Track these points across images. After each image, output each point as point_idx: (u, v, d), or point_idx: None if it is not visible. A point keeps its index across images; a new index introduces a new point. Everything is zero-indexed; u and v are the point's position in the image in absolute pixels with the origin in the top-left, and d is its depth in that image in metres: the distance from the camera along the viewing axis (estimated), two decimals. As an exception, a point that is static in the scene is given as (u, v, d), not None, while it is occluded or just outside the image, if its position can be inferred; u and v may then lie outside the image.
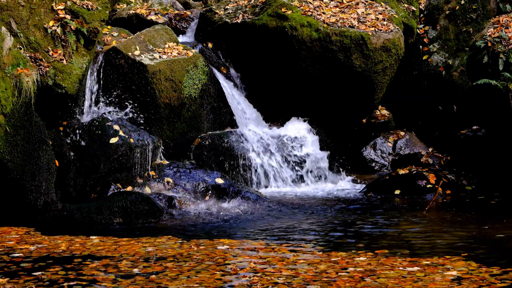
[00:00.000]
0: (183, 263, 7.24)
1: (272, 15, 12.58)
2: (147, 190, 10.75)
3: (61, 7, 10.63)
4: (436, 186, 11.11)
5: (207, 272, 6.90)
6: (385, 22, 12.66)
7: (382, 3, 13.14)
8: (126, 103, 11.51)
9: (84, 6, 10.79)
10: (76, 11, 10.73)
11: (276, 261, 7.29)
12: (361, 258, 7.37)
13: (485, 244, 8.12)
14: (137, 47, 11.74)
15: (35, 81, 9.73)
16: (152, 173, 11.04)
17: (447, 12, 13.40)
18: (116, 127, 10.96)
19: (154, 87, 11.54)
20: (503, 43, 10.90)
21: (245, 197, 10.81)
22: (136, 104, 11.52)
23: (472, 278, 6.56)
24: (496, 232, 8.65)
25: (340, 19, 12.60)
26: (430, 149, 12.79)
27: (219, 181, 11.06)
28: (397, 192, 11.29)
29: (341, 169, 12.76)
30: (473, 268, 6.92)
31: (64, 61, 10.48)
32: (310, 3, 12.83)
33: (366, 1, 13.08)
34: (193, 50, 12.21)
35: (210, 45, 13.01)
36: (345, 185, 12.17)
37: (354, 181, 12.37)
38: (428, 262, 7.14)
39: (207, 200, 10.80)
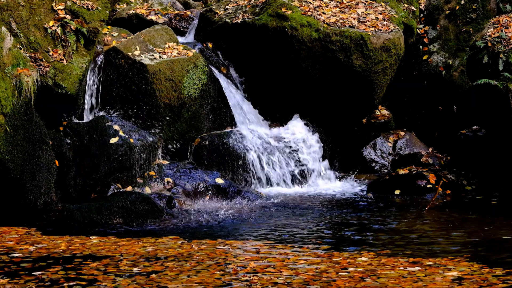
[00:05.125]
0: (183, 263, 7.24)
1: (272, 15, 12.57)
2: (147, 190, 10.75)
3: (61, 7, 10.62)
4: (436, 186, 11.11)
5: (207, 271, 6.90)
6: (385, 22, 12.66)
7: (382, 3, 13.14)
8: (126, 103, 11.50)
9: (84, 6, 10.79)
10: (76, 11, 10.73)
11: (276, 261, 7.28)
12: (363, 258, 7.37)
13: (488, 245, 8.10)
14: (137, 47, 11.74)
15: (35, 81, 9.72)
16: (152, 173, 11.03)
17: (447, 12, 13.40)
18: (116, 127, 10.95)
19: (154, 87, 11.53)
20: (503, 43, 10.90)
21: (245, 197, 10.81)
22: (136, 104, 11.51)
23: (474, 279, 6.54)
24: (499, 233, 8.64)
25: (340, 19, 12.59)
26: (430, 149, 12.79)
27: (219, 181, 11.05)
28: (397, 192, 11.29)
29: (341, 169, 12.75)
30: (475, 268, 6.90)
31: (64, 61, 10.47)
32: (310, 3, 12.83)
33: (366, 1, 13.08)
34: (193, 50, 12.20)
35: (210, 45, 13.01)
36: (345, 185, 12.16)
37: (354, 181, 12.36)
38: (430, 263, 7.14)
39: (207, 200, 10.79)
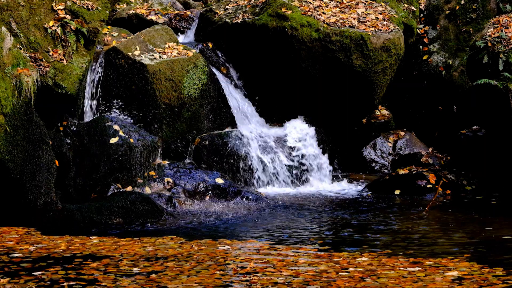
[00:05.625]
0: (183, 263, 7.24)
1: (272, 15, 12.58)
2: (147, 190, 10.75)
3: (61, 7, 10.62)
4: (436, 186, 11.11)
5: (208, 271, 6.90)
6: (385, 22, 12.66)
7: (382, 3, 13.14)
8: (126, 103, 11.50)
9: (84, 6, 10.79)
10: (76, 11, 10.72)
11: (276, 261, 7.28)
12: (363, 258, 7.37)
13: (489, 245, 8.09)
14: (137, 47, 11.74)
15: (35, 81, 9.72)
16: (152, 173, 11.03)
17: (447, 12, 13.40)
18: (116, 127, 10.95)
19: (154, 87, 11.53)
20: (503, 43, 10.90)
21: (245, 197, 10.80)
22: (136, 104, 11.51)
23: (474, 279, 6.54)
24: (500, 233, 8.63)
25: (340, 19, 12.60)
26: (430, 149, 12.79)
27: (219, 181, 11.05)
28: (397, 192, 11.29)
29: (341, 169, 12.75)
30: (475, 268, 6.90)
31: (64, 61, 10.47)
32: (310, 3, 12.83)
33: (366, 1, 13.08)
34: (193, 50, 12.20)
35: (210, 45, 13.01)
36: (345, 185, 12.16)
37: (354, 181, 12.36)
38: (430, 263, 7.14)
39: (207, 200, 10.79)
